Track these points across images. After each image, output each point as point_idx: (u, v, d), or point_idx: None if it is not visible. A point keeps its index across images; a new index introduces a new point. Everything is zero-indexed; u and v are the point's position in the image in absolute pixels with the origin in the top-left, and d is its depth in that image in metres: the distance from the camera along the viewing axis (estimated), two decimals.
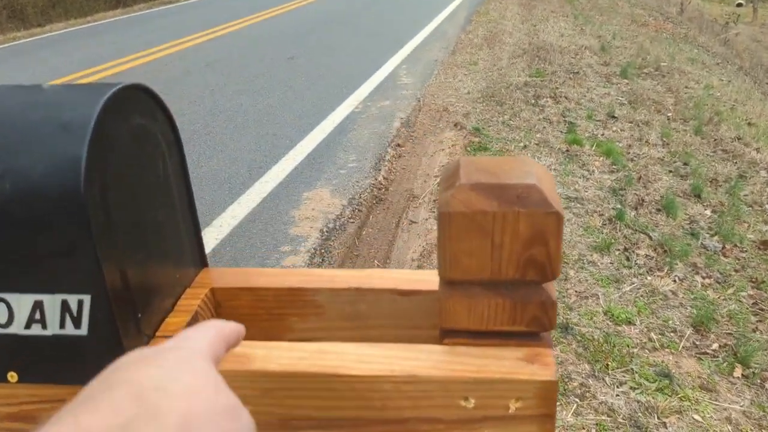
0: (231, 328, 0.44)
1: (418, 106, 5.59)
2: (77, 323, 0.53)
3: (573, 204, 3.74)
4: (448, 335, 0.57)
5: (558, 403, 2.13)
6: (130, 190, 0.57)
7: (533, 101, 5.66)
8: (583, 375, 2.44)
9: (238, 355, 0.58)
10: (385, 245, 3.36)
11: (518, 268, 0.53)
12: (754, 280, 3.09)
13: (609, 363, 2.49)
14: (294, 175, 4.13)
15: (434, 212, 3.70)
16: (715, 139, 4.93)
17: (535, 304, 0.55)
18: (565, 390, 2.37)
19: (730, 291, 2.99)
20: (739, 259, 3.26)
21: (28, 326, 0.53)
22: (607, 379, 2.42)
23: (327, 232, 3.42)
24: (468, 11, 11.33)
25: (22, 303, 0.53)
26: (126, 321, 0.55)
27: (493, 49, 7.84)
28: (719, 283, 3.06)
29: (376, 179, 4.09)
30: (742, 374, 2.49)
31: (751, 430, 2.25)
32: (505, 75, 6.53)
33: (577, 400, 2.33)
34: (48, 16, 14.10)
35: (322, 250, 3.24)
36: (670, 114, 5.51)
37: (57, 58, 8.61)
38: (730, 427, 2.26)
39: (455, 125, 5.07)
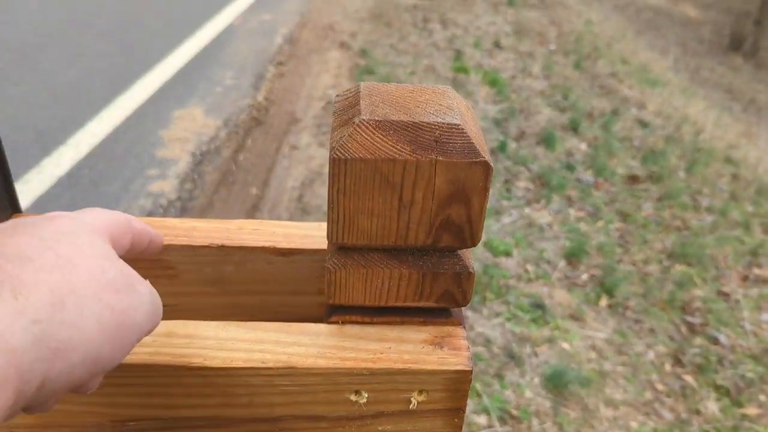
0: (145, 227, 0.42)
1: (302, 21, 5.27)
2: None
3: None
4: (337, 312, 0.45)
5: None
6: None
7: (422, 25, 5.52)
8: None
9: None
10: (263, 172, 3.16)
11: (431, 232, 0.42)
12: (621, 213, 3.24)
13: (487, 295, 2.53)
14: (164, 91, 3.76)
15: (317, 137, 3.53)
16: (593, 75, 5.08)
17: (448, 276, 0.44)
18: None
19: (600, 224, 3.12)
20: (609, 193, 3.41)
21: None
22: (484, 310, 2.45)
23: (200, 155, 3.16)
24: None
25: None
26: None
27: None
28: (591, 216, 3.18)
29: (255, 99, 3.82)
30: (608, 304, 2.63)
31: (612, 356, 2.39)
32: None
33: None
34: None
35: (195, 176, 3.00)
36: (552, 47, 5.59)
37: None
38: (594, 354, 2.38)
39: (341, 45, 4.84)
